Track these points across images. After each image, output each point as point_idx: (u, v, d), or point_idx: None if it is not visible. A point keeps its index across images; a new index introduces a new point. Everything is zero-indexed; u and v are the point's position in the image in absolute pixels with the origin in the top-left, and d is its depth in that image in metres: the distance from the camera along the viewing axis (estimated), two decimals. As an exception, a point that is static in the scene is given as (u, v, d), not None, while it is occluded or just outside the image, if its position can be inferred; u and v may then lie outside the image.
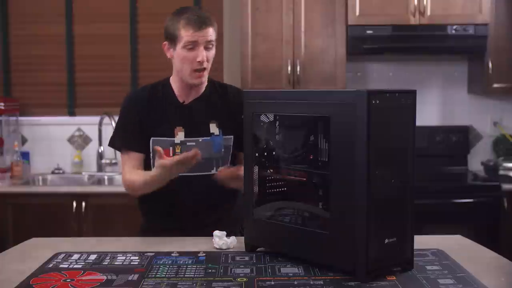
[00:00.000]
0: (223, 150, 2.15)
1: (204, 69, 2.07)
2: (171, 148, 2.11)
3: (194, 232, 2.04)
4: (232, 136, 2.16)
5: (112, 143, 2.20)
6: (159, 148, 1.91)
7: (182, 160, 1.89)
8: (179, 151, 2.11)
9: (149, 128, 2.12)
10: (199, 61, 2.04)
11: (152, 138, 2.12)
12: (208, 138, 2.13)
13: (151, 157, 2.13)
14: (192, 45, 2.04)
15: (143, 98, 2.15)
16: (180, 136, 2.12)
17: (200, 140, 2.13)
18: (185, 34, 2.04)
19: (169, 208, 2.16)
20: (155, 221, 2.21)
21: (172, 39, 2.08)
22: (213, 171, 2.14)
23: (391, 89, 1.59)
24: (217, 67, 4.11)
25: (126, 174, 2.13)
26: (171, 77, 2.20)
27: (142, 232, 2.23)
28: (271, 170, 1.79)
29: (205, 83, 2.18)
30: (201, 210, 2.13)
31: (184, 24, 2.04)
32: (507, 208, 3.55)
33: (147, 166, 2.16)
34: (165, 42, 2.13)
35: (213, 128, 2.14)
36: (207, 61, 2.07)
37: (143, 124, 2.12)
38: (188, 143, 2.12)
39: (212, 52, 2.10)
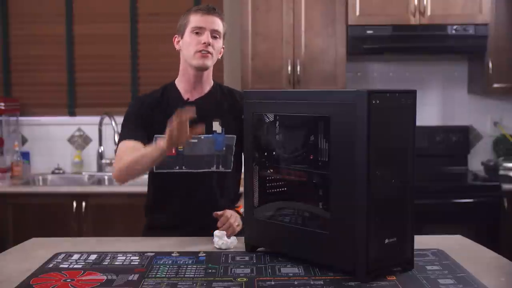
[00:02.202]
0: (224, 148, 2.16)
1: (209, 53, 2.10)
2: None
3: (196, 231, 2.06)
4: (234, 136, 2.17)
5: (118, 142, 2.19)
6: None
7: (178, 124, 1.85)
8: (181, 148, 2.13)
9: (154, 127, 2.14)
10: (204, 43, 2.08)
11: (155, 135, 2.14)
12: (210, 135, 2.15)
13: None
14: (199, 30, 2.09)
15: (150, 102, 2.18)
16: None
17: (202, 137, 2.14)
18: (193, 18, 2.11)
19: (171, 205, 2.17)
20: (158, 218, 2.22)
21: (182, 28, 2.14)
22: (213, 169, 2.15)
23: (391, 89, 1.59)
24: (217, 67, 4.10)
25: (118, 160, 2.11)
26: (176, 79, 2.23)
27: (145, 230, 2.24)
28: (271, 170, 1.79)
29: (210, 80, 2.20)
30: (202, 208, 2.14)
31: (193, 11, 2.13)
32: (507, 208, 3.55)
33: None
34: (175, 35, 2.19)
35: (216, 126, 2.16)
36: (213, 48, 2.11)
37: (148, 124, 2.14)
38: (190, 140, 2.13)
39: (219, 43, 2.13)
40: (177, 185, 2.14)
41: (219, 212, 2.01)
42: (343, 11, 3.75)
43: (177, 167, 2.14)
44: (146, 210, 2.27)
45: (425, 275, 1.59)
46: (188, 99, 2.18)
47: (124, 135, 2.15)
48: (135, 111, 2.17)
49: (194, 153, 2.14)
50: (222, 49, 2.18)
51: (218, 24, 2.12)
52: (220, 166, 2.17)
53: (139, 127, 2.13)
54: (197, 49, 2.09)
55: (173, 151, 2.12)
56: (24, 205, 3.62)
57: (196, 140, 2.14)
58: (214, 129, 2.16)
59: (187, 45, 2.12)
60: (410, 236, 1.61)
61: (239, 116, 2.12)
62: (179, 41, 2.17)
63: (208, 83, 2.21)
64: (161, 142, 1.92)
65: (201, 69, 2.14)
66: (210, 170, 2.15)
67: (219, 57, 2.18)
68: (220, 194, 2.18)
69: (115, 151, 2.24)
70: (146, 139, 2.11)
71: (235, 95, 2.23)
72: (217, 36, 2.12)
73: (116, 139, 3.90)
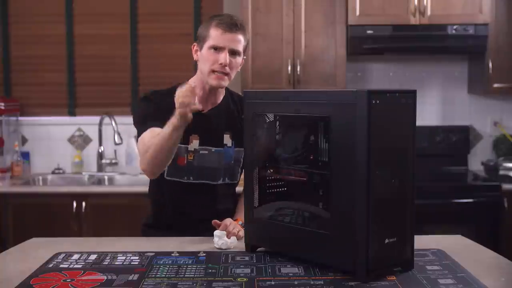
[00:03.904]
0: (232, 162, 2.15)
1: (225, 74, 2.05)
2: (185, 155, 2.10)
3: (196, 232, 2.05)
4: (243, 149, 2.11)
5: (138, 136, 2.05)
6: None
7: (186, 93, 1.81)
8: (191, 158, 2.10)
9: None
10: (221, 64, 2.02)
11: None
12: (221, 149, 2.13)
13: None
14: (218, 48, 2.03)
15: (166, 106, 2.00)
16: (194, 144, 2.10)
17: (213, 150, 2.12)
18: (214, 34, 2.03)
19: (174, 215, 2.16)
20: (158, 218, 2.21)
21: (202, 39, 2.07)
22: (220, 181, 2.14)
23: (391, 89, 1.60)
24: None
25: (141, 156, 1.99)
26: (191, 79, 2.16)
27: (144, 228, 2.24)
28: (271, 170, 1.79)
29: (223, 90, 2.17)
30: (206, 219, 2.12)
31: (215, 24, 2.04)
32: (507, 208, 3.55)
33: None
34: (194, 44, 2.13)
35: (226, 139, 2.14)
36: (230, 68, 2.05)
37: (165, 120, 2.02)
38: (201, 151, 2.11)
39: (238, 60, 2.08)
40: (181, 193, 2.12)
41: (218, 222, 2.00)
42: (343, 11, 3.75)
43: (185, 178, 2.11)
44: (152, 212, 2.25)
45: (425, 275, 1.59)
46: (202, 110, 2.10)
47: (143, 129, 2.02)
48: (151, 113, 2.06)
49: (203, 164, 2.11)
50: (243, 60, 2.12)
51: (239, 41, 2.05)
52: (227, 179, 2.15)
53: (158, 121, 1.99)
54: (213, 68, 2.04)
55: (184, 161, 2.10)
56: (24, 205, 3.62)
57: (206, 152, 2.11)
58: (224, 142, 2.13)
59: (204, 61, 2.06)
60: (410, 236, 1.61)
61: None
62: (197, 51, 2.10)
63: (221, 93, 2.18)
64: (171, 119, 1.86)
65: (215, 89, 2.11)
66: (216, 183, 2.13)
67: (238, 70, 2.13)
68: (223, 202, 2.16)
69: (138, 149, 2.06)
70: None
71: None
72: (237, 54, 2.06)
73: (117, 139, 3.91)
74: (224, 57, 2.02)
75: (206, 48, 2.05)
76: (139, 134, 2.05)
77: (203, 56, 2.06)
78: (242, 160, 2.15)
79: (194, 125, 2.07)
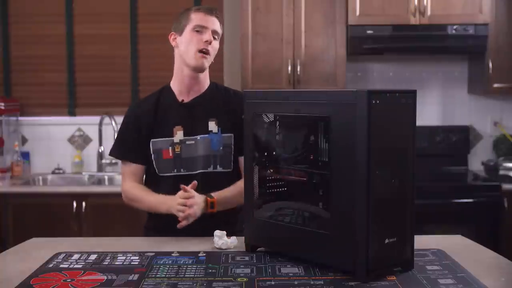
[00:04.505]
0: (221, 148, 2.15)
1: (208, 53, 2.10)
2: (170, 148, 2.13)
3: (196, 232, 2.05)
4: (232, 135, 2.16)
5: (111, 152, 2.25)
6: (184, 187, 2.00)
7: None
8: (178, 150, 2.12)
9: (150, 133, 2.15)
10: (206, 41, 2.08)
11: (151, 140, 2.14)
12: (206, 135, 2.14)
13: (153, 159, 2.15)
14: (201, 29, 2.10)
15: (146, 109, 2.18)
16: (179, 135, 2.14)
17: (199, 138, 2.14)
18: (196, 17, 2.11)
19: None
20: (158, 219, 2.21)
21: (182, 26, 2.14)
22: (211, 169, 2.15)
23: (391, 89, 1.59)
24: (217, 67, 4.12)
25: (126, 184, 2.19)
26: (171, 81, 2.23)
27: (145, 230, 2.25)
28: (271, 170, 1.79)
29: (207, 79, 2.20)
30: (203, 214, 2.12)
31: (195, 10, 2.14)
32: (507, 208, 3.55)
33: (147, 170, 2.19)
34: (172, 33, 2.19)
35: (212, 126, 2.15)
36: (212, 48, 2.12)
37: (145, 131, 2.15)
38: (187, 142, 2.13)
39: (217, 44, 2.15)
40: (176, 188, 2.13)
41: (188, 188, 2.00)
42: (343, 11, 3.75)
43: (175, 170, 2.14)
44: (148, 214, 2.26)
45: (425, 275, 1.59)
46: (182, 100, 2.17)
47: (123, 153, 2.20)
48: (131, 121, 2.18)
49: (191, 155, 2.13)
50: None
51: (218, 25, 2.14)
52: (218, 166, 2.15)
53: (136, 141, 2.16)
54: (199, 48, 2.09)
55: (170, 154, 2.13)
56: (24, 205, 3.62)
57: (192, 142, 2.14)
58: (210, 129, 2.15)
59: (187, 43, 2.11)
60: (410, 236, 1.61)
61: (234, 113, 2.12)
62: (175, 38, 2.16)
63: (205, 83, 2.21)
64: (170, 208, 2.02)
65: (197, 70, 2.13)
66: (208, 170, 2.14)
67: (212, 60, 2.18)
68: (218, 190, 2.14)
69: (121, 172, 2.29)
70: (145, 158, 2.16)
71: (229, 92, 2.24)
72: (216, 37, 2.13)
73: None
74: (209, 35, 2.09)
75: (188, 31, 2.12)
76: (114, 145, 2.24)
77: (186, 39, 2.12)
78: (233, 146, 2.16)
79: (176, 117, 2.13)
